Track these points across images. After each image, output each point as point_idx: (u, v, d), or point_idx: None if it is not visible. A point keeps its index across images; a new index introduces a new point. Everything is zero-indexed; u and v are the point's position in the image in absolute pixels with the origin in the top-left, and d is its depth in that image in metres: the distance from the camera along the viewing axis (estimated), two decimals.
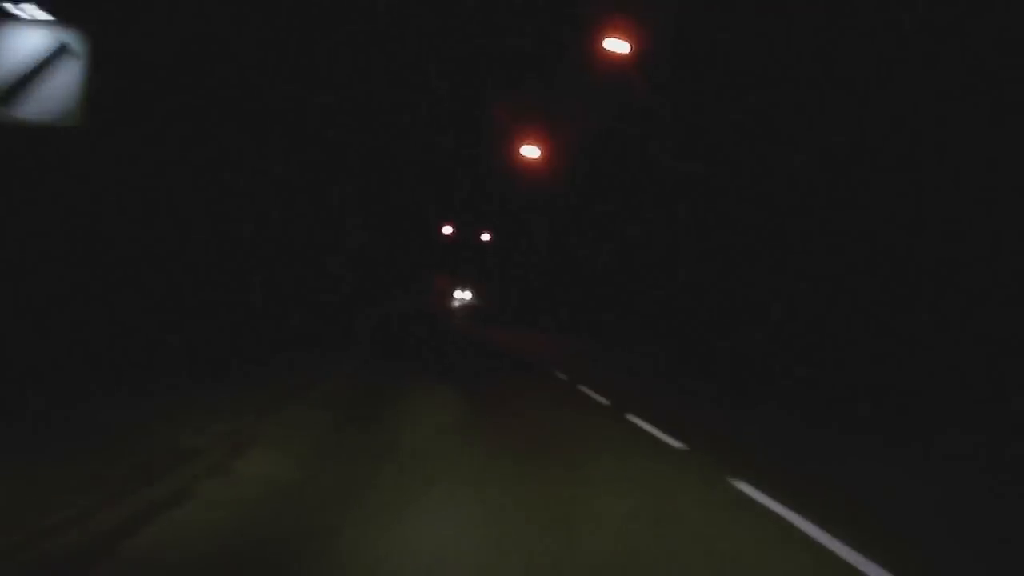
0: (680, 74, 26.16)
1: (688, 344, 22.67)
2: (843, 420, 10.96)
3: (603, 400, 11.77)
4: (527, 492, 5.93)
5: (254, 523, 5.04)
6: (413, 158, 47.24)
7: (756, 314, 20.48)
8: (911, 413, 11.46)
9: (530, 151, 34.51)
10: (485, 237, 59.60)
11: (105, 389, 9.82)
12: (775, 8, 19.54)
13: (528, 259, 47.88)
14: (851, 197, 16.72)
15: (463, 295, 70.03)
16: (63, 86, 7.16)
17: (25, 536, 4.38)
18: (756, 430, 9.62)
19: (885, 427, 10.44)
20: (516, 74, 38.52)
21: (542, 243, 44.31)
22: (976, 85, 13.33)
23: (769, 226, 20.60)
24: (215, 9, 16.46)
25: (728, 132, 23.09)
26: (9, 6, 7.25)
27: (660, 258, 28.14)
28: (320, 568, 4.19)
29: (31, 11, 7.26)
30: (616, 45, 22.48)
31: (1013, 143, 12.71)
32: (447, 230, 60.85)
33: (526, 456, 7.29)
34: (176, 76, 14.40)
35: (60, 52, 7.18)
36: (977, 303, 13.29)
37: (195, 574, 4.15)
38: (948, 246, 14.00)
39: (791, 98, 19.18)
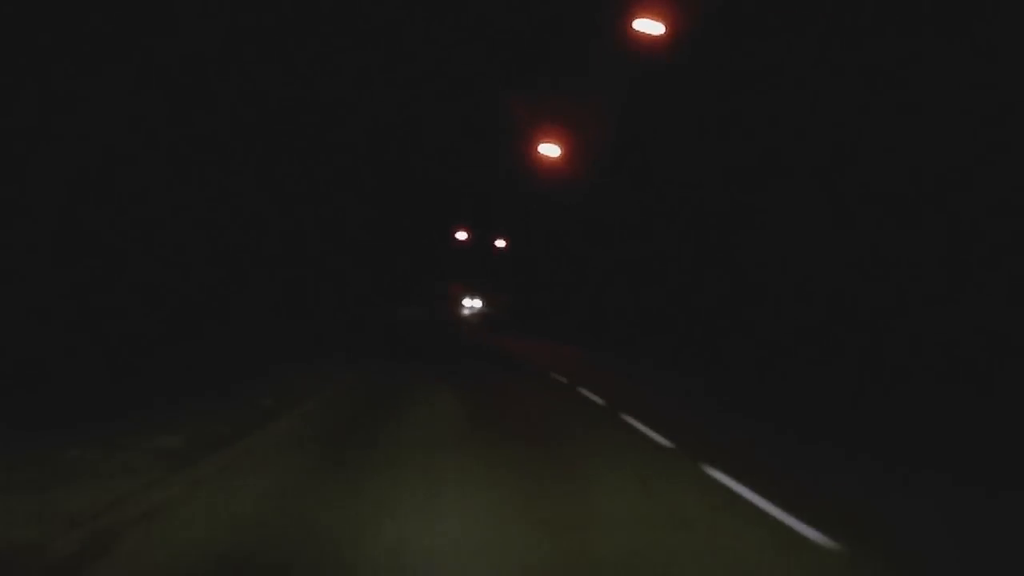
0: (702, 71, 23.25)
1: (722, 360, 19.41)
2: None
3: (660, 439, 8.55)
4: None
5: None
6: (428, 162, 44.70)
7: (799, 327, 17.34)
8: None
9: (549, 150, 31.53)
10: (500, 243, 56.46)
11: None
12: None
13: (544, 264, 44.61)
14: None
15: (472, 303, 66.65)
16: None
17: None
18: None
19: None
20: (534, 68, 35.71)
21: (557, 247, 41.03)
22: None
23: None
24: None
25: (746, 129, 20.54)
26: None
27: (682, 264, 24.90)
28: None
29: None
30: (648, 26, 19.79)
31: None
32: (461, 235, 57.81)
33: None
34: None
35: None
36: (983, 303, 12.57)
37: None
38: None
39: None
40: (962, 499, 6.33)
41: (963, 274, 13.23)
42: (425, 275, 57.98)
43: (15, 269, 10.56)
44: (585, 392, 13.28)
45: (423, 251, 56.30)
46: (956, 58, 13.15)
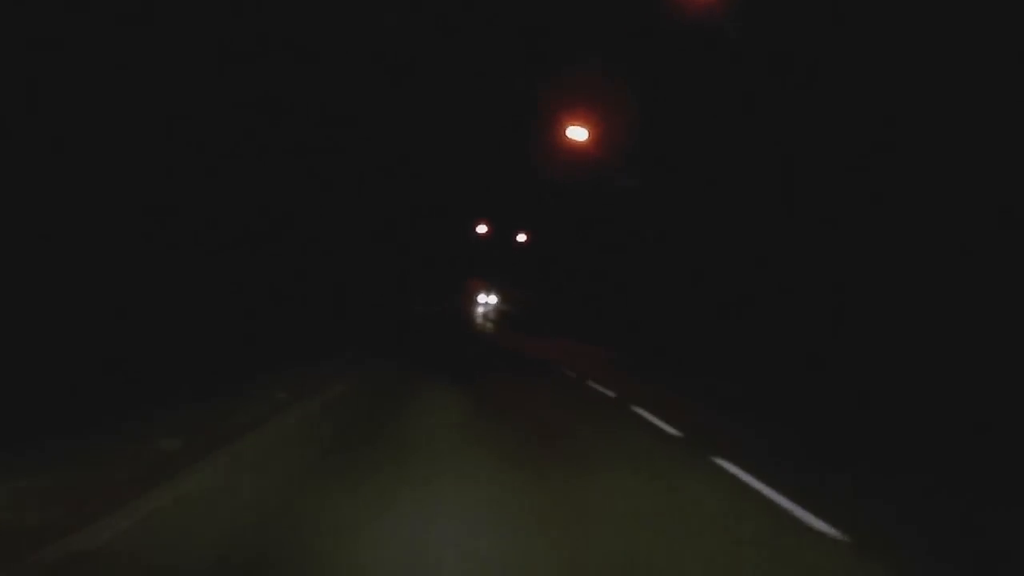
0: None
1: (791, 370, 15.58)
2: None
3: (805, 516, 4.90)
4: None
5: None
6: (448, 154, 41.81)
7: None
8: None
9: (576, 133, 27.75)
10: (521, 238, 52.67)
11: None
12: None
13: (568, 258, 40.74)
14: None
15: (488, 298, 62.91)
16: None
17: None
18: None
19: None
20: (558, 44, 32.13)
21: (584, 239, 37.16)
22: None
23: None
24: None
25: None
26: None
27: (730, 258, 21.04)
28: None
29: None
30: None
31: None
32: (482, 229, 54.12)
33: None
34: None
35: None
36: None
37: None
38: None
39: None
40: None
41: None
42: (444, 270, 54.63)
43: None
44: (643, 414, 9.60)
45: (442, 246, 53.00)
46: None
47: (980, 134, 11.88)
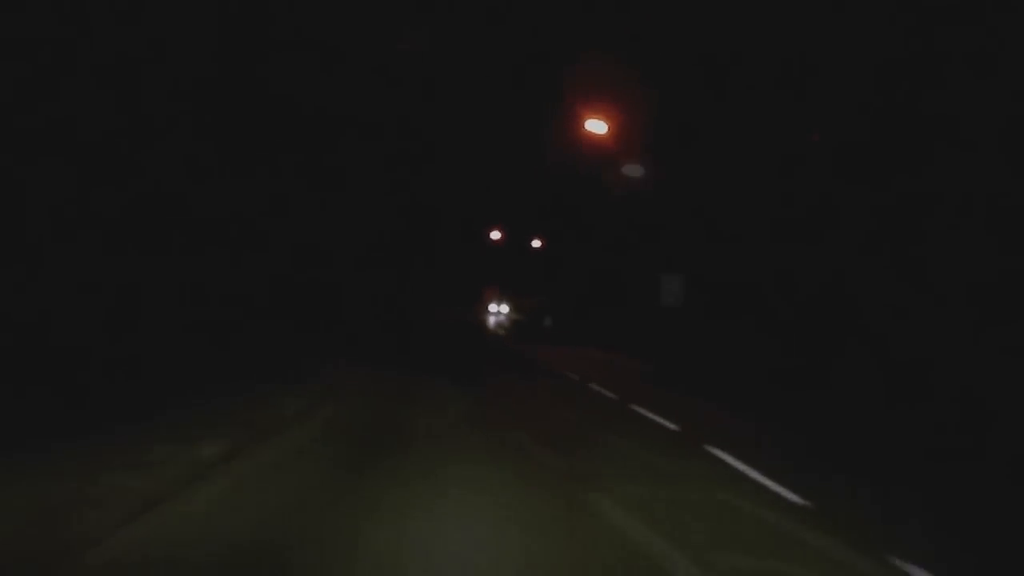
0: None
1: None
2: None
3: None
4: None
5: None
6: (461, 156, 39.54)
7: None
8: None
9: (595, 126, 24.98)
10: (536, 244, 49.88)
11: None
12: None
13: (585, 263, 37.84)
14: None
15: (501, 307, 59.93)
16: None
17: None
18: None
19: None
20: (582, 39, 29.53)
21: (604, 243, 34.28)
22: None
23: None
24: None
25: None
26: None
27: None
28: None
29: None
30: None
31: None
32: (495, 235, 51.35)
33: None
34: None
35: None
36: None
37: None
38: None
39: None
40: None
41: None
42: (457, 277, 52.23)
43: None
44: (730, 461, 6.79)
45: (455, 252, 50.60)
46: None
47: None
